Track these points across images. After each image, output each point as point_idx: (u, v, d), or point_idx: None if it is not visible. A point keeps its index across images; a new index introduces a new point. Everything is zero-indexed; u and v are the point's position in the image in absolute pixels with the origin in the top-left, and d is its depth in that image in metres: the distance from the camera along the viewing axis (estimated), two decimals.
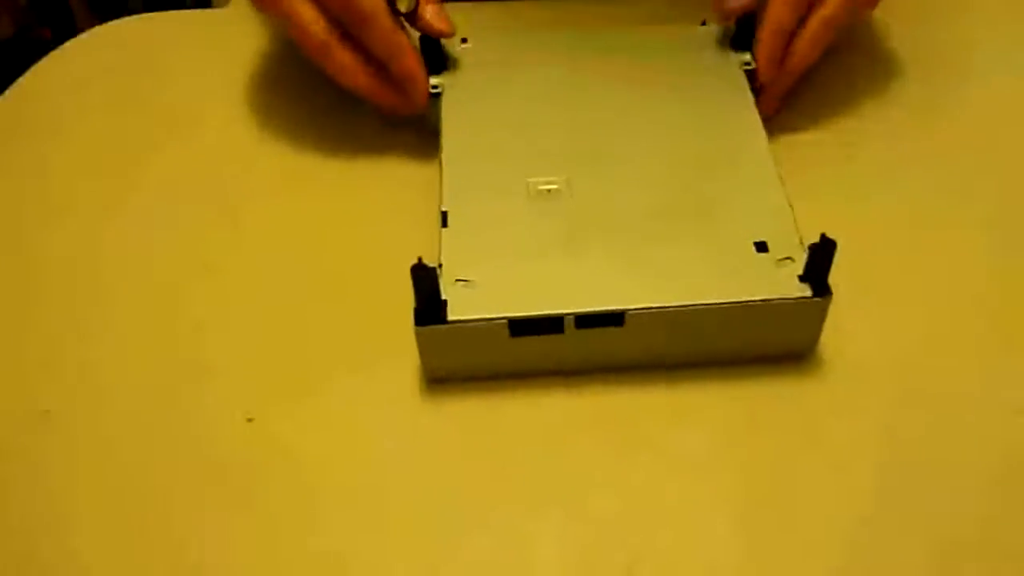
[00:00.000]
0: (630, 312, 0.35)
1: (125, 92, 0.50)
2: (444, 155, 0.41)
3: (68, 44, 0.54)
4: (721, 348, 0.37)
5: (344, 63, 0.43)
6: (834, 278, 0.35)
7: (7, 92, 0.51)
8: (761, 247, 0.37)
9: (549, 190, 0.39)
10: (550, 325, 0.35)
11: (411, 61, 0.43)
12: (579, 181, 0.39)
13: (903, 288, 0.40)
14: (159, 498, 0.35)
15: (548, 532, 0.33)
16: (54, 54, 0.53)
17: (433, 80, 0.44)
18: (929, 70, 0.49)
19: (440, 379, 0.37)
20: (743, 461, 0.35)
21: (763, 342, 0.37)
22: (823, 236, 0.35)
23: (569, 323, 0.35)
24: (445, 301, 0.35)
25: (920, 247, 0.41)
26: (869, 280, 0.39)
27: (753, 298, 0.35)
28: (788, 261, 0.36)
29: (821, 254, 0.35)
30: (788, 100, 0.47)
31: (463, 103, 0.44)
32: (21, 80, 0.52)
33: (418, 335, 0.35)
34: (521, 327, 0.35)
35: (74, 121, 0.47)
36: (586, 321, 0.35)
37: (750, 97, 0.43)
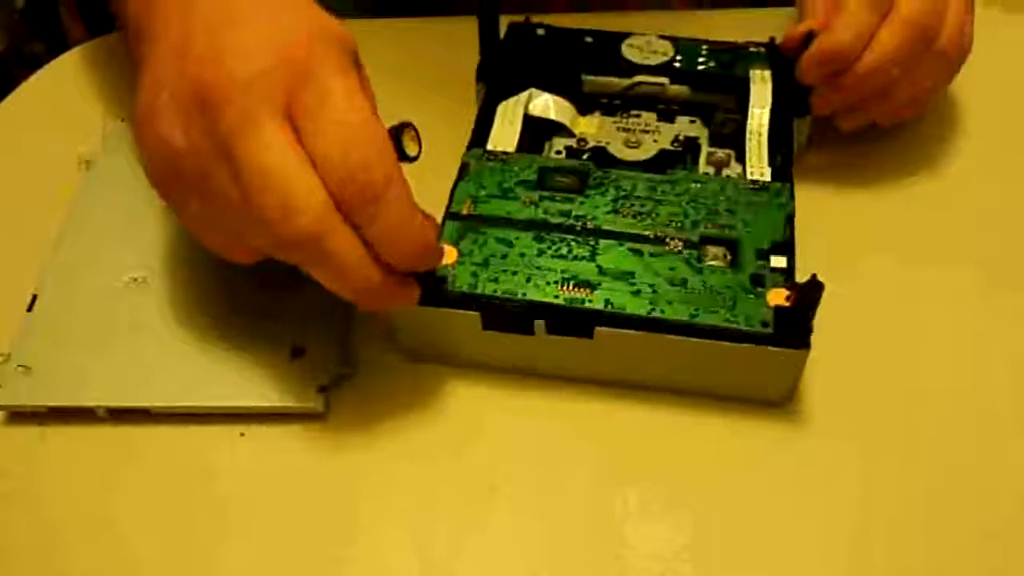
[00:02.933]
0: (598, 326, 0.35)
1: (118, 106, 0.50)
2: None
3: (61, 58, 0.55)
4: (693, 381, 0.37)
5: (350, 251, 0.31)
6: (824, 321, 0.34)
7: None
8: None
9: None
10: (521, 324, 0.36)
11: (433, 238, 0.34)
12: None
13: (893, 340, 0.40)
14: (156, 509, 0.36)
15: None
16: (47, 68, 0.54)
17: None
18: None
19: (416, 359, 0.39)
20: (709, 494, 0.35)
21: (736, 384, 0.37)
22: (813, 276, 0.33)
23: (540, 327, 0.36)
24: (425, 281, 0.35)
25: (915, 297, 0.41)
26: (857, 330, 0.39)
27: (728, 338, 0.35)
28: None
29: (806, 299, 0.34)
30: (858, 121, 0.43)
31: None
32: (13, 94, 0.53)
33: (394, 312, 0.37)
34: (493, 321, 0.36)
35: (67, 135, 0.48)
36: (557, 327, 0.36)
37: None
